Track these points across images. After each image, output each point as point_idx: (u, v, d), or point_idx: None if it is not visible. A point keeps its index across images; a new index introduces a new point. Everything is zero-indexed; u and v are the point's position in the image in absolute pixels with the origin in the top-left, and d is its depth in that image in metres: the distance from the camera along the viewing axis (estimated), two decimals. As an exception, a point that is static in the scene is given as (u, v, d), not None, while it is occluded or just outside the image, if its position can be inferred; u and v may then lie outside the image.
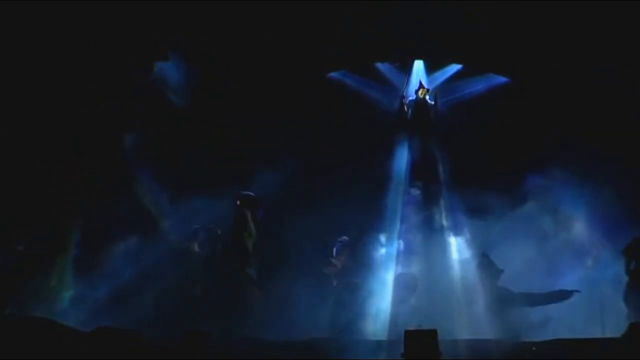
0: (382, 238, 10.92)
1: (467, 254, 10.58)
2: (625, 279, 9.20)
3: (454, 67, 11.93)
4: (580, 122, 10.62)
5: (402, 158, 11.58)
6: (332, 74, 11.86)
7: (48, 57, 8.88)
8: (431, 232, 10.83)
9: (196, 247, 10.20)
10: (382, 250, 10.72)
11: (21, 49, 8.70)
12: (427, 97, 11.67)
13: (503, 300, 9.56)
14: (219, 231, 10.10)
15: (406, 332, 6.07)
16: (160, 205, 10.48)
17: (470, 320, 9.58)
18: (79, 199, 9.35)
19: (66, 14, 8.87)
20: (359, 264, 10.48)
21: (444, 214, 11.16)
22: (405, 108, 11.68)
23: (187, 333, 6.32)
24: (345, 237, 10.60)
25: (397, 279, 10.36)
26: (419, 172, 11.45)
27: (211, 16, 9.96)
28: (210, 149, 10.98)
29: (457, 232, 10.95)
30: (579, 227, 10.34)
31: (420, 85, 11.72)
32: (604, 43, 10.14)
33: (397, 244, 10.86)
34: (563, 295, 9.39)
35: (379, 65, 11.97)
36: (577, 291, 9.30)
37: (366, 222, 11.14)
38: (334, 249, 10.48)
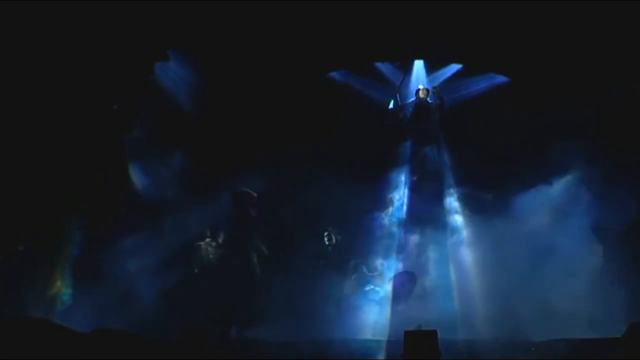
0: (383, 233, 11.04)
1: (468, 251, 10.61)
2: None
3: (454, 67, 11.94)
4: (580, 121, 10.61)
5: (402, 157, 11.61)
6: (332, 74, 11.86)
7: (48, 57, 8.87)
8: (433, 229, 10.86)
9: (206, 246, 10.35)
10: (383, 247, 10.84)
11: (21, 49, 8.68)
12: (428, 98, 11.68)
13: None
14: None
15: (406, 332, 6.07)
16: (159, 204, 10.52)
17: (471, 320, 9.61)
18: (79, 199, 9.34)
19: (66, 14, 8.86)
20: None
21: (445, 212, 11.19)
22: (398, 105, 11.67)
23: (187, 333, 6.32)
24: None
25: (396, 278, 10.39)
26: (420, 170, 11.48)
27: (211, 16, 9.95)
28: (210, 149, 10.99)
29: (458, 229, 10.99)
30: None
31: (420, 88, 11.75)
32: (604, 43, 10.14)
33: (400, 241, 10.94)
34: None
35: (379, 65, 11.97)
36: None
37: (366, 219, 11.21)
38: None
